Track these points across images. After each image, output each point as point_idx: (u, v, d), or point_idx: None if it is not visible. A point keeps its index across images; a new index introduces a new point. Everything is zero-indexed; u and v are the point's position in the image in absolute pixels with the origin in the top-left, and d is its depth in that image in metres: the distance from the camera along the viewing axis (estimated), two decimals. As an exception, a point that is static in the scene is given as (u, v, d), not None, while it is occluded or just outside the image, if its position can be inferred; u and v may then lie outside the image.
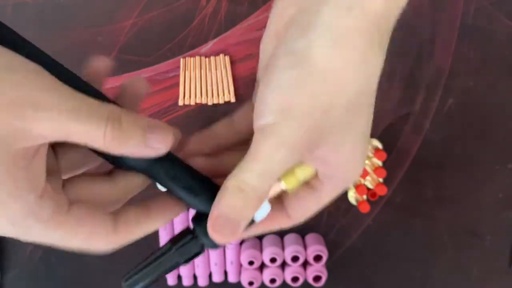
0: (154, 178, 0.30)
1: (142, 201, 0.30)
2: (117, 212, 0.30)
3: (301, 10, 0.29)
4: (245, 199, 0.28)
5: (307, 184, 0.32)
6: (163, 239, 0.68)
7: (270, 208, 0.31)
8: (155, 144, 0.27)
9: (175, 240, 0.32)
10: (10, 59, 0.25)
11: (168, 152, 0.29)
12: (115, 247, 0.29)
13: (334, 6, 0.27)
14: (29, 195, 0.25)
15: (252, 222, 0.30)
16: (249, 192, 0.28)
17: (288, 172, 0.31)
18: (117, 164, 0.31)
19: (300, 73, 0.27)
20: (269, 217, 0.32)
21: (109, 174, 0.31)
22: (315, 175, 0.32)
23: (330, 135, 0.29)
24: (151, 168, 0.30)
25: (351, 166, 0.31)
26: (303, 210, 0.33)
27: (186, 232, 0.31)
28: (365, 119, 0.31)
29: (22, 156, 0.24)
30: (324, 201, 0.32)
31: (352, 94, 0.28)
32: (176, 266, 0.32)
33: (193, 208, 0.31)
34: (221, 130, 0.36)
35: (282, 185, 0.32)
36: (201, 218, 0.30)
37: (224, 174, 0.30)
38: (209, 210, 0.29)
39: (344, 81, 0.27)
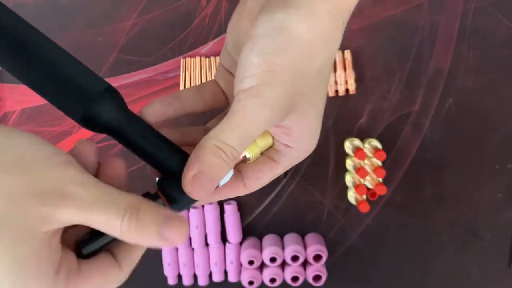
0: (126, 137, 0.32)
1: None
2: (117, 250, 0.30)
3: None
4: (223, 159, 0.30)
5: (264, 154, 0.34)
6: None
7: (232, 174, 0.33)
8: (170, 236, 0.27)
9: None
10: (44, 149, 0.28)
11: (136, 115, 0.32)
12: (124, 280, 0.30)
13: None
14: (49, 272, 0.26)
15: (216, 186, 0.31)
16: (227, 152, 0.30)
17: None
18: (90, 125, 0.32)
19: (281, 39, 0.30)
20: (227, 184, 0.33)
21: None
22: (273, 145, 0.33)
23: (300, 102, 0.31)
24: (123, 127, 0.31)
25: (310, 138, 0.33)
26: (259, 180, 0.34)
27: (148, 196, 0.31)
28: (325, 91, 0.33)
29: (45, 237, 0.26)
30: (279, 171, 0.34)
31: (321, 63, 0.31)
32: None
33: (162, 166, 0.32)
34: (187, 95, 0.37)
35: (245, 153, 0.33)
36: (168, 179, 0.31)
37: (186, 145, 0.32)
38: (177, 170, 0.30)
39: (317, 51, 0.31)
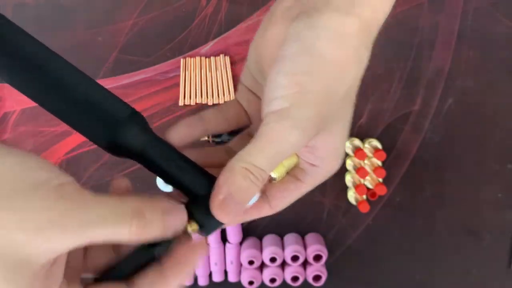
0: (152, 161, 0.31)
1: (155, 263, 0.29)
2: (132, 283, 0.29)
3: (304, 11, 0.31)
4: (252, 181, 0.29)
5: (289, 173, 0.34)
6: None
7: (259, 196, 0.32)
8: (172, 224, 0.28)
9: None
10: (39, 175, 0.26)
11: (161, 138, 0.31)
12: None
13: (334, 10, 0.30)
14: None
15: None
16: (256, 174, 0.29)
17: None
18: (115, 151, 0.31)
19: (310, 60, 0.30)
20: (253, 205, 0.33)
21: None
22: (298, 165, 0.33)
23: (328, 122, 0.31)
24: (149, 151, 0.31)
25: (335, 158, 0.33)
26: (284, 200, 0.34)
27: None
28: (351, 110, 0.33)
29: (43, 268, 0.25)
30: (305, 191, 0.34)
31: (349, 83, 0.31)
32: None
33: (188, 190, 0.31)
34: (210, 116, 0.37)
35: (272, 173, 0.32)
36: (195, 202, 0.31)
37: (209, 166, 0.32)
38: (204, 193, 0.30)
39: (345, 72, 0.30)
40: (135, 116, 0.31)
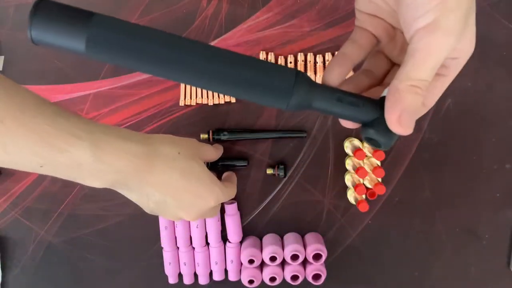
0: (325, 108, 0.37)
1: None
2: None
3: None
4: (419, 94, 0.33)
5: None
6: (165, 241, 0.68)
7: None
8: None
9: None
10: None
11: (327, 86, 0.37)
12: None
13: None
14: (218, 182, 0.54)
15: None
16: (422, 87, 0.33)
17: None
18: (294, 109, 0.37)
19: None
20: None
21: None
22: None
23: (468, 19, 0.33)
24: (320, 102, 0.37)
25: (472, 42, 0.36)
26: (434, 96, 0.38)
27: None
28: None
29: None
30: (448, 82, 0.38)
31: None
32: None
33: (362, 119, 0.37)
34: (349, 50, 0.40)
35: None
36: (371, 127, 0.36)
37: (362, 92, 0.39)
38: (376, 116, 0.36)
39: None
40: (299, 79, 0.36)
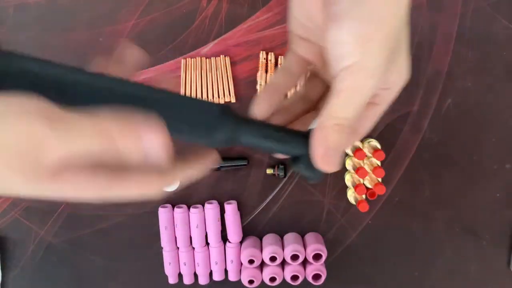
0: (251, 143, 0.35)
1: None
2: None
3: None
4: (344, 132, 0.33)
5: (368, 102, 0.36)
6: (164, 241, 0.68)
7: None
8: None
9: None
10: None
11: (253, 120, 0.35)
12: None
13: None
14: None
15: None
16: (346, 126, 0.33)
17: None
18: (220, 145, 0.35)
19: (367, 6, 0.31)
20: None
21: None
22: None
23: (394, 55, 0.33)
24: (245, 138, 0.35)
25: (404, 75, 0.35)
26: (367, 125, 0.37)
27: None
28: (406, 25, 0.34)
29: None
30: (380, 113, 0.37)
31: (403, 11, 0.32)
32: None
33: (290, 154, 0.36)
34: (279, 80, 0.39)
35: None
36: (298, 162, 0.35)
37: (294, 120, 0.37)
38: (304, 153, 0.35)
39: (399, 2, 0.31)
40: (224, 111, 0.34)
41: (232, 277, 0.70)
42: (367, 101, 0.33)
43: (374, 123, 0.37)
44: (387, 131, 0.67)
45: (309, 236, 0.69)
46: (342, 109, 0.32)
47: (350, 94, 0.32)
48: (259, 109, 0.37)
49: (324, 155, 0.33)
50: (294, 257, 0.67)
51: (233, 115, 0.35)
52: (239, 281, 0.70)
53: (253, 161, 0.69)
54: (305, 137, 0.35)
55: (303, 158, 0.35)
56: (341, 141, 0.33)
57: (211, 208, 0.68)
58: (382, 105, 0.37)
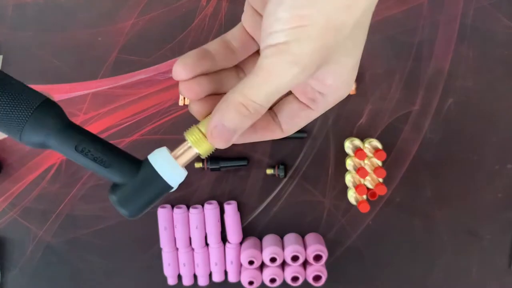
0: (65, 155, 0.31)
1: None
2: None
3: None
4: (244, 115, 0.30)
5: (300, 101, 0.34)
6: (164, 242, 0.68)
7: (186, 173, 0.33)
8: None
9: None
10: None
11: (71, 130, 0.31)
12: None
13: None
14: None
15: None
16: (251, 109, 0.30)
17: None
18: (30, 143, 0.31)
19: None
20: (264, 126, 0.34)
21: None
22: (308, 93, 0.33)
23: (334, 54, 0.30)
24: (52, 145, 0.31)
25: (344, 86, 0.32)
26: (295, 125, 0.35)
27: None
28: (364, 38, 0.31)
29: None
30: (314, 117, 0.34)
31: (360, 12, 0.29)
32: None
33: (110, 179, 0.31)
34: (216, 48, 0.36)
35: (196, 149, 0.33)
36: (116, 189, 0.31)
37: (224, 93, 0.32)
38: (124, 182, 0.31)
39: (356, 1, 0.28)
40: (44, 110, 0.30)
41: (232, 278, 0.70)
42: (284, 91, 0.30)
43: (301, 126, 0.35)
44: (388, 131, 0.67)
45: (310, 237, 0.69)
46: (254, 90, 0.30)
47: (268, 75, 0.29)
48: (181, 66, 0.33)
49: (215, 127, 0.31)
50: (295, 258, 0.66)
51: (53, 117, 0.30)
52: (239, 282, 0.69)
53: (253, 161, 0.68)
54: (137, 164, 0.31)
55: (123, 189, 0.31)
56: (237, 122, 0.31)
57: (210, 209, 0.68)
58: (316, 111, 0.34)
